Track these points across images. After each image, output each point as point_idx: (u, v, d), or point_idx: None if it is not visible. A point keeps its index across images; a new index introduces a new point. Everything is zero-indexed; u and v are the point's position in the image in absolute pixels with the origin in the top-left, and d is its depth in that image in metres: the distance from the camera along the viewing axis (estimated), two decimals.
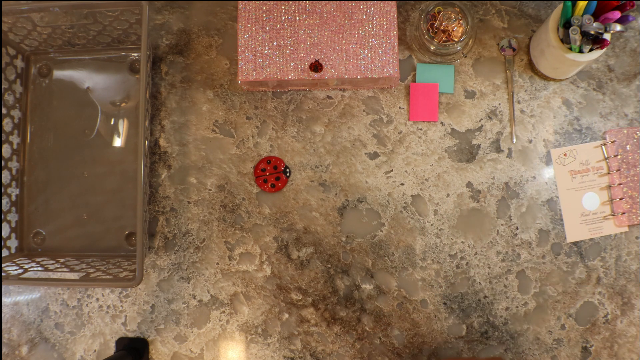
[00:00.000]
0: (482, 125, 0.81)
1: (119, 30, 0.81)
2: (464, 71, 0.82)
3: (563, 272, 0.78)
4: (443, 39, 0.77)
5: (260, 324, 0.81)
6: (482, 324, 0.78)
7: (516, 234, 0.79)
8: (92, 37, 0.83)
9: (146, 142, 0.78)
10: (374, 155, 0.82)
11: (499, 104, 0.81)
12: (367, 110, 0.82)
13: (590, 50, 0.71)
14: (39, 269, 0.78)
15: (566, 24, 0.70)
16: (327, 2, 0.76)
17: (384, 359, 0.79)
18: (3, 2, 0.77)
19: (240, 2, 0.77)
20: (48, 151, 0.87)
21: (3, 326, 0.85)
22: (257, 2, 0.76)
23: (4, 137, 0.83)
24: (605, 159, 0.79)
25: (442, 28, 0.77)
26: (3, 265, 0.78)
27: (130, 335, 0.83)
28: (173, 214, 0.83)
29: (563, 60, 0.72)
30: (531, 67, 0.80)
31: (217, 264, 0.82)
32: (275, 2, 0.76)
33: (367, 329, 0.80)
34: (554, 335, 0.78)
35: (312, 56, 0.76)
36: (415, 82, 0.82)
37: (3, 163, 0.83)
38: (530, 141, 0.80)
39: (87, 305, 0.84)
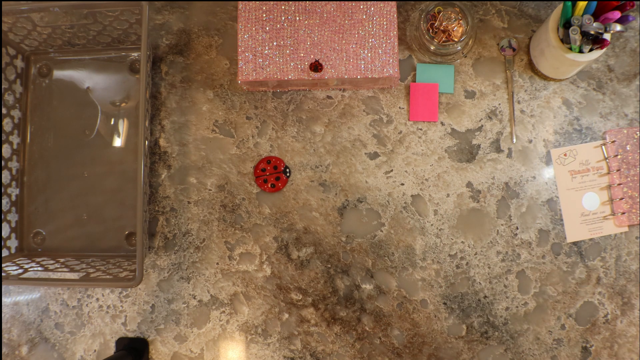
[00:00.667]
0: (482, 125, 0.81)
1: (119, 30, 0.81)
2: (464, 71, 0.82)
3: (563, 272, 0.78)
4: (443, 39, 0.77)
5: (260, 324, 0.81)
6: (482, 324, 0.78)
7: (516, 234, 0.79)
8: (92, 37, 0.83)
9: (146, 142, 0.78)
10: (374, 155, 0.82)
11: (499, 104, 0.81)
12: (367, 110, 0.82)
13: (590, 50, 0.71)
14: (39, 269, 0.78)
15: (566, 24, 0.70)
16: (327, 2, 0.76)
17: (384, 359, 0.79)
18: (3, 2, 0.77)
19: (240, 2, 0.77)
20: (48, 151, 0.87)
21: (3, 326, 0.85)
22: (257, 2, 0.76)
23: (4, 137, 0.83)
24: (605, 159, 0.79)
25: (442, 28, 0.77)
26: (3, 265, 0.78)
27: (130, 335, 0.83)
28: (173, 214, 0.83)
29: (563, 60, 0.72)
30: (531, 67, 0.80)
31: (217, 264, 0.82)
32: (275, 2, 0.76)
33: (367, 329, 0.80)
34: (554, 335, 0.78)
35: (312, 56, 0.76)
36: (415, 82, 0.82)
37: (3, 163, 0.83)
38: (530, 141, 0.80)
39: (87, 305, 0.84)
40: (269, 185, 0.82)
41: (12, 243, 0.84)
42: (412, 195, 0.81)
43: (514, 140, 0.80)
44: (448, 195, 0.80)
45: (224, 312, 0.82)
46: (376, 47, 0.75)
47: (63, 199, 0.85)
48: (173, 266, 0.83)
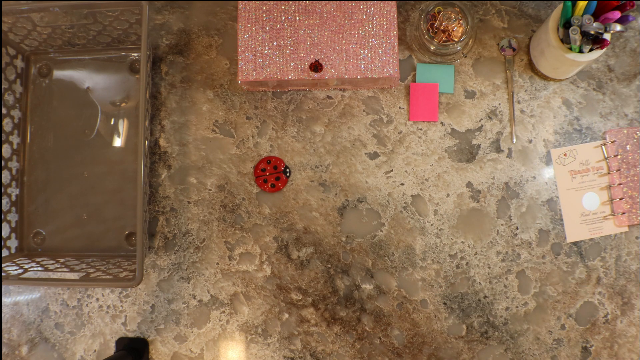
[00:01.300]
0: (482, 125, 0.81)
1: (119, 30, 0.81)
2: (464, 71, 0.82)
3: (563, 272, 0.78)
4: (443, 39, 0.77)
5: (260, 324, 0.81)
6: (482, 324, 0.78)
7: (516, 234, 0.79)
8: (92, 37, 0.83)
9: (146, 142, 0.78)
10: (374, 155, 0.82)
11: (499, 104, 0.81)
12: (367, 110, 0.82)
13: (590, 50, 0.71)
14: (39, 269, 0.78)
15: (566, 24, 0.70)
16: (327, 2, 0.76)
17: (384, 359, 0.79)
18: (3, 2, 0.77)
19: (240, 2, 0.77)
20: (48, 151, 0.87)
21: (3, 326, 0.85)
22: (257, 2, 0.76)
23: (4, 137, 0.83)
24: (605, 159, 0.79)
25: (442, 28, 0.77)
26: (3, 265, 0.78)
27: (130, 335, 0.83)
28: (173, 214, 0.83)
29: (563, 60, 0.72)
30: (531, 67, 0.80)
31: (217, 264, 0.82)
32: (275, 2, 0.76)
33: (367, 329, 0.80)
34: (554, 335, 0.78)
35: (312, 56, 0.76)
36: (415, 82, 0.82)
37: (3, 163, 0.83)
38: (530, 141, 0.80)
39: (87, 305, 0.84)
40: (269, 185, 0.82)
41: (12, 243, 0.84)
42: (412, 195, 0.81)
43: (514, 140, 0.80)
44: (448, 195, 0.80)
45: (224, 312, 0.82)
46: (376, 47, 0.75)
47: (63, 199, 0.86)
48: (173, 266, 0.83)
